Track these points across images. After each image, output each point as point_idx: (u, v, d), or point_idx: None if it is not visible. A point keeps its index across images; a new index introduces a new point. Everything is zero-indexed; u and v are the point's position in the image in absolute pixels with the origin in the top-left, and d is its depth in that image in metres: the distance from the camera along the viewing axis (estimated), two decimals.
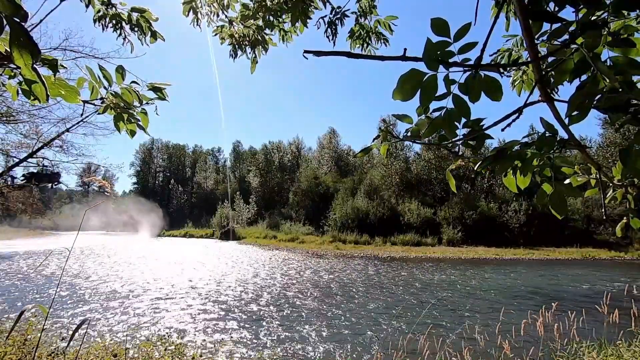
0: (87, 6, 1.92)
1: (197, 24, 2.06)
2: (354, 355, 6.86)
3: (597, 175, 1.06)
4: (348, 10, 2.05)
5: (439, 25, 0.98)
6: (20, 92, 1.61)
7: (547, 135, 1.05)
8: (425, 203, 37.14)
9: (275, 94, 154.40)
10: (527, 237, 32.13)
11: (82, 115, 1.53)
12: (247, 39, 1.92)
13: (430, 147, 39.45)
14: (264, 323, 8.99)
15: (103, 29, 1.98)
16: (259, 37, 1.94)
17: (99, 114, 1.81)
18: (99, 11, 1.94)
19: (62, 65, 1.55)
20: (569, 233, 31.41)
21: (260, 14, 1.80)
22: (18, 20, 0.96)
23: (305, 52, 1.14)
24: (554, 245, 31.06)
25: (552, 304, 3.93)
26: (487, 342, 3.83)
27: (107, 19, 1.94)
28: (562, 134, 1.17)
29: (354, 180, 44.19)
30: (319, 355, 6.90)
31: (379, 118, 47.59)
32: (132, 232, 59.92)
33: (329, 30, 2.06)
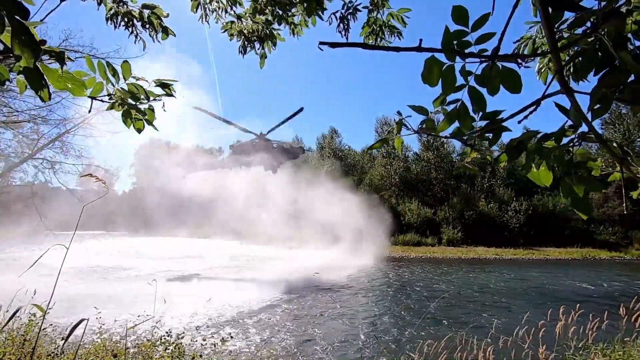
0: (98, 4, 1.91)
1: (205, 20, 2.04)
2: (351, 355, 6.84)
3: (620, 169, 1.04)
4: (360, 4, 2.05)
5: (459, 13, 0.96)
6: (28, 86, 1.58)
7: (567, 126, 1.04)
8: (425, 203, 37.11)
9: (275, 93, 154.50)
10: (527, 237, 32.14)
11: (89, 111, 1.50)
12: (256, 34, 1.91)
13: (429, 147, 39.44)
14: (264, 322, 8.97)
15: (115, 27, 1.96)
16: (268, 32, 1.92)
17: (106, 110, 1.78)
18: (110, 9, 1.92)
19: (69, 58, 1.52)
20: (569, 233, 31.43)
21: (269, 7, 1.78)
22: (19, 18, 0.95)
23: (321, 43, 1.13)
24: (554, 245, 31.08)
25: (576, 305, 3.92)
26: (487, 342, 3.82)
27: (119, 17, 1.92)
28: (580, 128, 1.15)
29: (354, 180, 44.12)
30: (319, 354, 6.88)
31: (375, 119, 47.28)
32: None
33: (341, 25, 2.05)
